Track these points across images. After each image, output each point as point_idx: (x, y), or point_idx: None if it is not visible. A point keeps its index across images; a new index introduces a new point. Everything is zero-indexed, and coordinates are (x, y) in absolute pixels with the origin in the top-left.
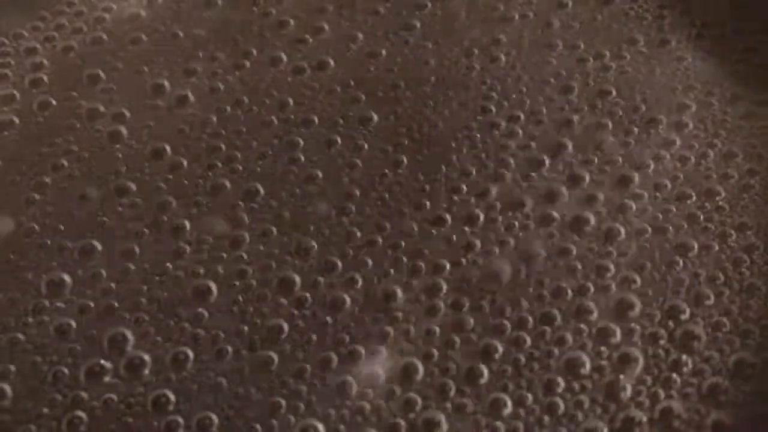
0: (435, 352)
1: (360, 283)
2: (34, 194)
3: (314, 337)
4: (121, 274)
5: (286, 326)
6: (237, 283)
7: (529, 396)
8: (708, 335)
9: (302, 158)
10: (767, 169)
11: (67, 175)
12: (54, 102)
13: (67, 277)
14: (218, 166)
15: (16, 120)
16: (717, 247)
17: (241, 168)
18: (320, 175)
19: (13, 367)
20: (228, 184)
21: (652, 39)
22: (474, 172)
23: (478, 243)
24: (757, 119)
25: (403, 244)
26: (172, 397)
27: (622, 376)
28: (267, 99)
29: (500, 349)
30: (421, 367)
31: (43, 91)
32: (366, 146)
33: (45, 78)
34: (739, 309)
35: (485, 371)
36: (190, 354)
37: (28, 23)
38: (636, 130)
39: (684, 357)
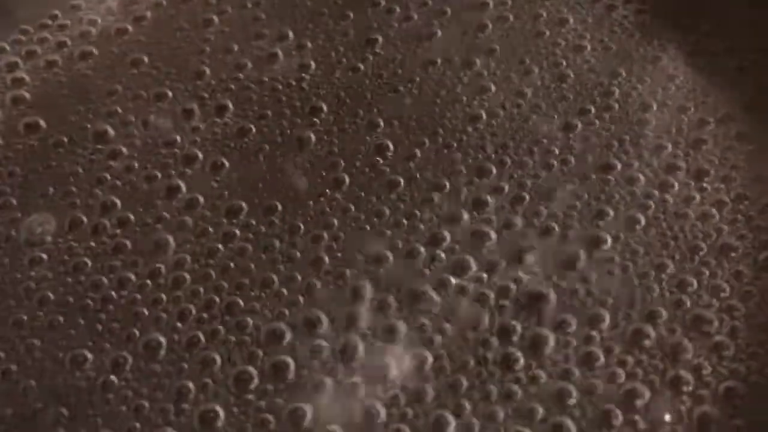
0: None
1: None
2: None
3: None
4: None
5: None
6: None
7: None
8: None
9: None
10: (759, 193)
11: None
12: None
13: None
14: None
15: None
16: (710, 272)
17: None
18: None
19: None
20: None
21: (644, 56)
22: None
23: None
24: (749, 141)
25: None
26: None
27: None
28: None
29: None
30: None
31: (25, 109)
32: None
33: (27, 95)
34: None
35: None
36: None
37: (10, 37)
38: (626, 146)
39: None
